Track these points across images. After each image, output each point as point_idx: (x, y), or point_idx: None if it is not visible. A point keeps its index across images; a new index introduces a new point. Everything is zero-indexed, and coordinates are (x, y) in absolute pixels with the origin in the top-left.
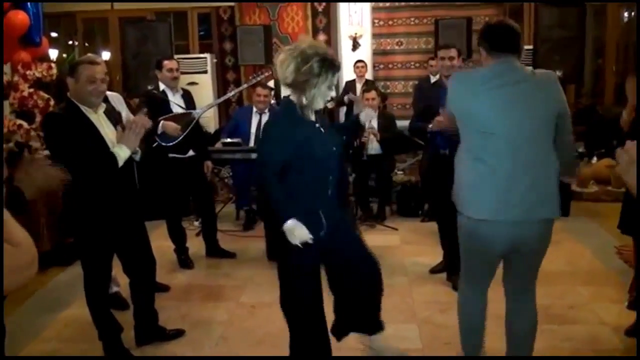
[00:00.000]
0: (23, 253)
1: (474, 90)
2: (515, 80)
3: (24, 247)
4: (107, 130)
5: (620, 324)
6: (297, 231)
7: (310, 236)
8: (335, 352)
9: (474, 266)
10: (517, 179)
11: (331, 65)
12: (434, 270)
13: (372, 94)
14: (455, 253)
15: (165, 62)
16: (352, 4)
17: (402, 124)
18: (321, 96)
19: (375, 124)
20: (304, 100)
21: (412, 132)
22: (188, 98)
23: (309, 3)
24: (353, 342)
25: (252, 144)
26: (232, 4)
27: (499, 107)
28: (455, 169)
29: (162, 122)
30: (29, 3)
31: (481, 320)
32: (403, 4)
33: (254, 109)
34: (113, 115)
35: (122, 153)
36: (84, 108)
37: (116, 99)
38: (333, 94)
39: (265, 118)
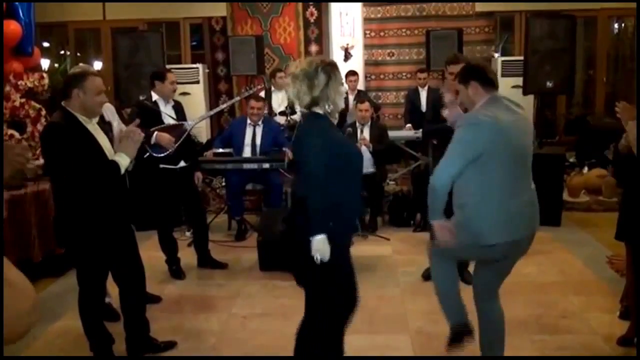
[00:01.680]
0: (20, 295)
1: (500, 125)
2: (513, 113)
3: (20, 288)
4: (103, 140)
5: (613, 333)
6: (324, 247)
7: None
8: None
9: (465, 257)
10: (525, 202)
11: (331, 65)
12: (425, 276)
13: (366, 105)
14: None
15: (169, 74)
16: (343, 15)
17: (394, 134)
18: (339, 96)
19: (367, 134)
20: (328, 108)
21: (428, 135)
22: (179, 109)
23: (301, 14)
24: (357, 342)
25: (246, 154)
26: (224, 14)
27: (519, 137)
28: (475, 206)
29: (155, 133)
30: (21, 13)
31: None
32: (394, 14)
33: (248, 121)
34: (103, 127)
35: (122, 161)
36: (81, 118)
37: (109, 110)
38: (345, 87)
39: (259, 130)
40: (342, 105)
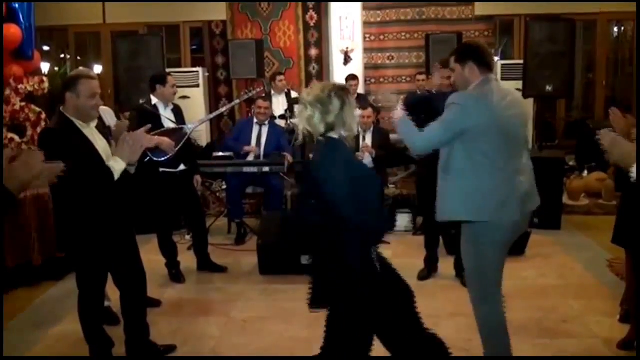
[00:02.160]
0: None
1: (491, 107)
2: (506, 94)
3: None
4: (101, 144)
5: (613, 337)
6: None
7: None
8: None
9: (498, 271)
10: (524, 180)
11: (344, 90)
12: (421, 277)
13: (369, 111)
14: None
15: (170, 78)
16: (343, 18)
17: (394, 137)
18: (354, 121)
19: (369, 141)
20: (344, 133)
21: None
22: (178, 112)
23: (301, 18)
24: None
25: (251, 155)
26: (224, 18)
27: (510, 119)
28: (468, 180)
29: (156, 137)
30: (21, 17)
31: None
32: (394, 18)
33: (255, 120)
34: (103, 130)
35: (117, 166)
36: (78, 122)
37: (107, 114)
38: (359, 112)
39: (265, 129)
40: (356, 130)
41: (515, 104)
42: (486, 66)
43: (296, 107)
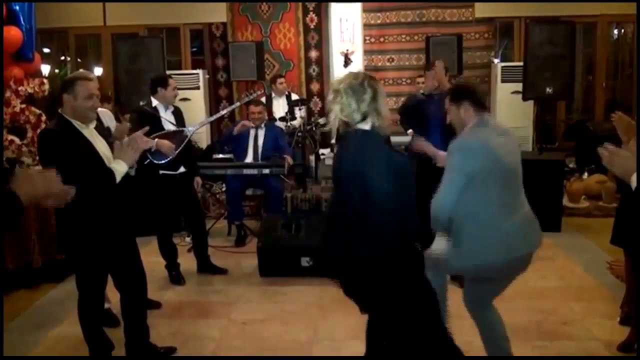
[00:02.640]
0: None
1: (491, 148)
2: (502, 134)
3: None
4: (100, 145)
5: (613, 339)
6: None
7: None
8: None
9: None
10: (521, 220)
11: (374, 78)
12: None
13: None
14: None
15: (171, 81)
16: (343, 21)
17: (395, 139)
18: (385, 110)
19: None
20: (377, 122)
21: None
22: (178, 114)
23: (301, 20)
24: (357, 348)
25: (249, 159)
26: (224, 20)
27: (510, 157)
28: (476, 226)
29: (156, 140)
30: (22, 19)
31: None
32: (394, 20)
33: (251, 124)
34: (102, 132)
35: (119, 168)
36: (77, 124)
37: (106, 116)
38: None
39: (261, 132)
40: (389, 120)
41: (512, 139)
42: (481, 106)
43: (330, 95)
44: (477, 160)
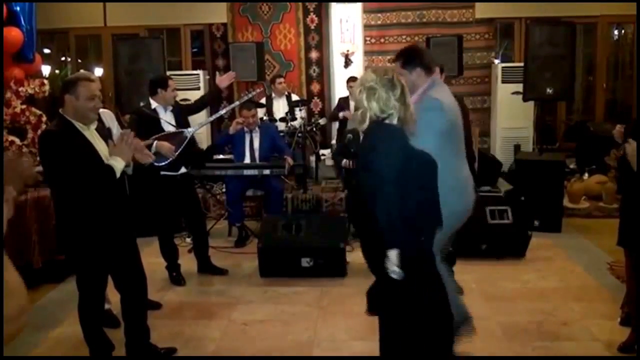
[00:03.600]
0: (9, 298)
1: (450, 108)
2: (451, 95)
3: (9, 290)
4: (101, 146)
5: (613, 340)
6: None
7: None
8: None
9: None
10: (466, 177)
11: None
12: None
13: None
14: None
15: (171, 82)
16: (344, 21)
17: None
18: (412, 105)
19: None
20: (404, 116)
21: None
22: (179, 112)
23: (302, 21)
24: (359, 348)
25: (246, 160)
26: (224, 21)
27: (459, 118)
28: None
29: (155, 142)
30: (22, 20)
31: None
32: (395, 21)
33: (245, 129)
34: (103, 132)
35: (117, 164)
36: (78, 125)
37: (107, 116)
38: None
39: (256, 135)
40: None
41: (457, 103)
42: (430, 69)
43: (362, 93)
44: (443, 117)
